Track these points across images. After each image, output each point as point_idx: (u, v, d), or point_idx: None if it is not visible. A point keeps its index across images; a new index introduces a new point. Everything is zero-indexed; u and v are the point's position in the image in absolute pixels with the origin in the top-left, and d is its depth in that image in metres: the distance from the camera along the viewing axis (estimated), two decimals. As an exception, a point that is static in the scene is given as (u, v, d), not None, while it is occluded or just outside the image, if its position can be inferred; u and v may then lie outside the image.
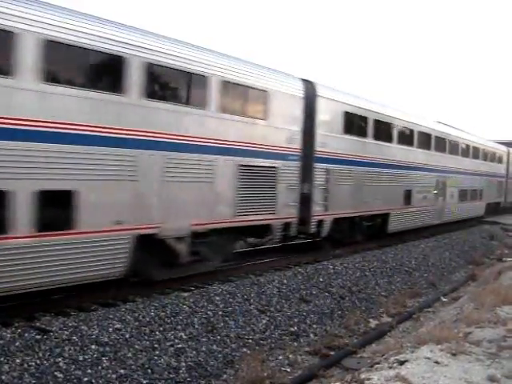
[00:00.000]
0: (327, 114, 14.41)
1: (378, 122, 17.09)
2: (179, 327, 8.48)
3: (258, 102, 11.94)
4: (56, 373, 6.54)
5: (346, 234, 16.33)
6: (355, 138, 15.82)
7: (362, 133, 16.30)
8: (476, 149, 28.67)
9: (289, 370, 8.16)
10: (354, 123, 15.92)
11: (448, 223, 25.13)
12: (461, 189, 25.76)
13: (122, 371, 6.95)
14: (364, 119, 16.43)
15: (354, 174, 15.82)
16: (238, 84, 11.21)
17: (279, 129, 12.43)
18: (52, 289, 8.65)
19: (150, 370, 7.17)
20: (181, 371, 7.39)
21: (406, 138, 19.33)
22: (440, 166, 22.67)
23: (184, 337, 8.25)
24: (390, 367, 5.82)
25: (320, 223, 14.26)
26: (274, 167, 12.28)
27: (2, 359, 6.50)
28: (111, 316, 8.24)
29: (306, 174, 13.63)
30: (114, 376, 6.82)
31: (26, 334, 7.19)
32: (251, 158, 11.59)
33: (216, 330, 8.75)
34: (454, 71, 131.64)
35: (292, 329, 9.75)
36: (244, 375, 7.40)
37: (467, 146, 27.07)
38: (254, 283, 11.14)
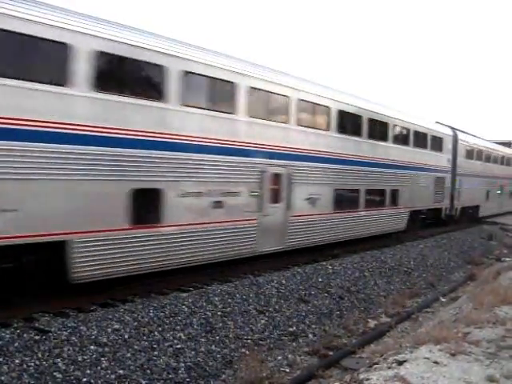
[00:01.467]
0: None
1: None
2: (178, 328, 8.48)
3: None
4: (55, 373, 6.53)
5: None
6: None
7: None
8: (381, 124, 18.01)
9: (288, 370, 8.16)
10: None
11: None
12: (340, 188, 15.61)
13: (120, 371, 6.95)
14: None
15: None
16: None
17: None
18: (51, 289, 8.66)
19: (148, 371, 7.17)
20: (180, 371, 7.38)
21: (135, 82, 9.99)
22: (271, 145, 12.85)
23: (183, 337, 8.25)
24: (389, 367, 5.81)
25: None
26: None
27: (1, 360, 6.49)
28: (110, 316, 8.24)
29: None
30: (113, 376, 6.82)
31: (25, 335, 7.19)
32: None
33: (215, 331, 8.75)
34: (454, 71, 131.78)
35: (291, 329, 9.75)
36: (243, 375, 7.41)
37: (356, 116, 16.58)
38: (252, 283, 11.15)
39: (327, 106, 15.06)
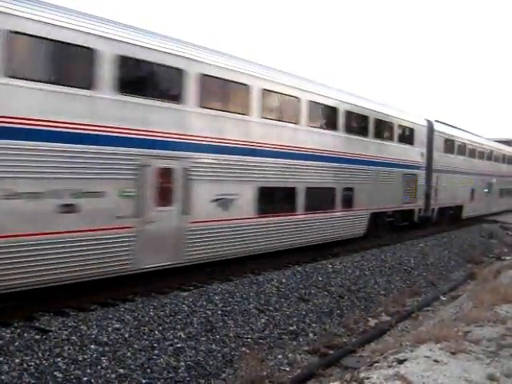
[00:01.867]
0: None
1: None
2: (178, 327, 8.49)
3: None
4: (55, 373, 6.54)
5: None
6: None
7: None
8: (328, 109, 15.15)
9: (288, 369, 8.16)
10: None
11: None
12: (266, 187, 12.60)
13: (121, 371, 6.95)
14: None
15: None
16: None
17: None
18: (51, 289, 8.66)
19: (149, 370, 7.17)
20: (180, 370, 7.39)
21: None
22: (155, 132, 9.94)
23: (183, 336, 8.26)
24: (390, 366, 5.81)
25: None
26: None
27: (1, 359, 6.49)
28: (110, 316, 8.25)
29: None
30: (113, 376, 6.82)
31: (26, 334, 7.20)
32: None
33: (215, 330, 8.76)
34: (454, 69, 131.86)
35: (291, 328, 9.75)
36: (243, 374, 7.41)
37: (291, 98, 13.54)
38: (253, 282, 11.16)
39: (246, 85, 11.97)
